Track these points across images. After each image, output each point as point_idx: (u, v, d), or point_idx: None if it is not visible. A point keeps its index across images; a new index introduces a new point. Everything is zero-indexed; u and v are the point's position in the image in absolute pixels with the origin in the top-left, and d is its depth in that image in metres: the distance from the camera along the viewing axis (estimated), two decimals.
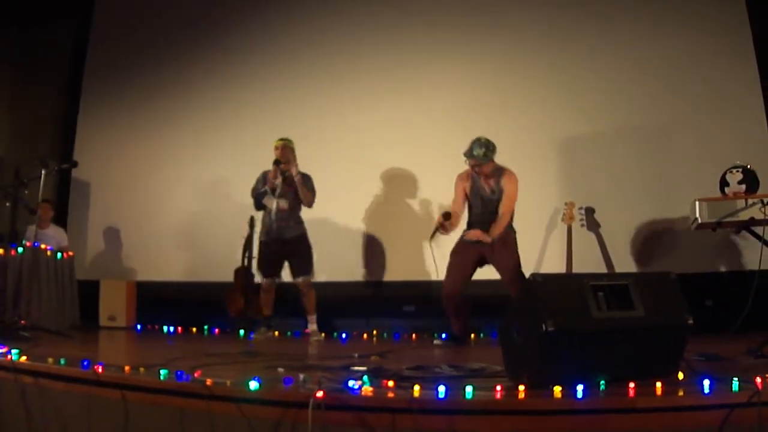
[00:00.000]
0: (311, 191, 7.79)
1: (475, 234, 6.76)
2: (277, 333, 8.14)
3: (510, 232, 6.89)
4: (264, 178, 7.92)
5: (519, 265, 6.82)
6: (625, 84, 7.94)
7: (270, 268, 7.92)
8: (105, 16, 11.41)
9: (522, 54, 8.46)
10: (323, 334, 7.88)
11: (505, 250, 6.77)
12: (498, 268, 6.82)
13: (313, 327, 7.88)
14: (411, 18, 9.10)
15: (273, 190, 7.80)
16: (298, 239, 7.85)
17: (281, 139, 7.89)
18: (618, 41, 8.02)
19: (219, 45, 10.19)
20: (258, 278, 8.17)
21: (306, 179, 7.82)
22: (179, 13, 10.72)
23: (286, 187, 7.78)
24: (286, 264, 7.92)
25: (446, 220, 6.72)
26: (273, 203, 7.79)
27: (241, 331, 8.09)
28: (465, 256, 6.85)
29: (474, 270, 6.91)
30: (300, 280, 7.80)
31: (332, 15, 9.58)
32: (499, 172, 6.88)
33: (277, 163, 7.75)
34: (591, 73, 8.10)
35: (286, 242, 7.80)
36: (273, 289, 7.94)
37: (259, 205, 7.99)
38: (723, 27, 7.60)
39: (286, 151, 7.81)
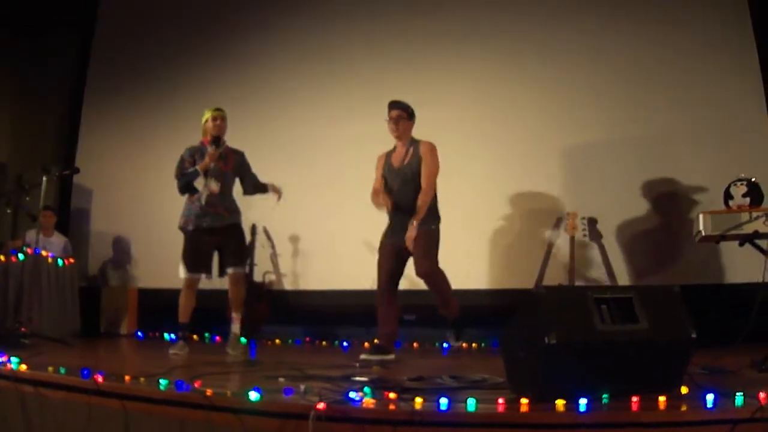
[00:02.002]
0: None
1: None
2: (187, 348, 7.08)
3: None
4: (191, 156, 7.14)
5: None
6: (628, 94, 7.91)
7: (197, 261, 7.07)
8: (107, 23, 11.44)
9: (523, 63, 8.44)
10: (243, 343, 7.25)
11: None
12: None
13: (235, 329, 7.14)
14: (415, 29, 9.10)
15: (206, 171, 6.96)
16: (232, 228, 7.07)
17: (217, 109, 7.14)
18: (622, 51, 7.99)
19: (222, 50, 10.20)
20: (183, 276, 7.24)
21: (243, 158, 7.25)
22: (181, 20, 10.74)
23: (221, 168, 7.02)
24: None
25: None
26: (203, 185, 6.96)
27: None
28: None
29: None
30: (231, 271, 7.06)
31: (338, 19, 9.59)
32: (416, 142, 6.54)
33: (216, 141, 6.99)
34: (594, 83, 8.08)
35: (216, 231, 6.99)
36: (196, 289, 7.15)
37: (185, 188, 7.16)
38: (729, 38, 7.58)
39: (223, 125, 7.08)
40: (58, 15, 11.35)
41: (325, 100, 9.39)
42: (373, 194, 6.57)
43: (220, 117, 7.08)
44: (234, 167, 7.14)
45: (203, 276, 7.16)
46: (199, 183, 7.00)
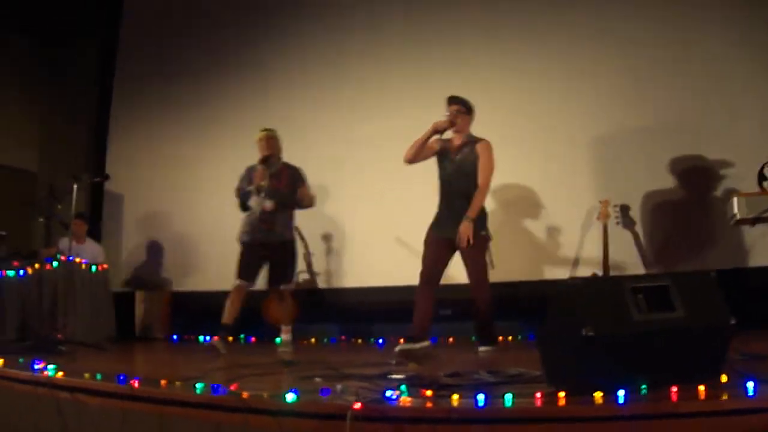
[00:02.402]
0: (308, 189, 7.41)
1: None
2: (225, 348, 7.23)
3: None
4: (249, 175, 7.39)
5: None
6: (659, 80, 7.84)
7: (247, 271, 7.33)
8: (131, 30, 11.50)
9: (553, 51, 8.39)
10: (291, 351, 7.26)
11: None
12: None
13: (285, 338, 7.41)
14: (430, 22, 9.09)
15: (258, 191, 7.25)
16: (283, 245, 7.38)
17: (265, 130, 7.44)
18: (654, 37, 7.92)
19: (248, 55, 10.22)
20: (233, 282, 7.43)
21: (297, 172, 7.44)
22: (206, 23, 10.77)
23: (274, 185, 7.27)
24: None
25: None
26: (258, 204, 7.25)
27: (278, 340, 8.07)
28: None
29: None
30: (281, 287, 7.41)
31: (361, 21, 9.58)
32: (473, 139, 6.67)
33: (264, 161, 7.25)
34: (624, 70, 8.01)
35: (268, 246, 7.29)
36: (243, 296, 7.35)
37: (242, 207, 7.46)
38: (755, 24, 7.49)
39: (272, 143, 7.37)
40: (83, 24, 11.43)
41: (352, 97, 9.40)
42: (414, 144, 6.63)
43: (266, 137, 7.38)
44: (287, 183, 7.36)
45: (251, 285, 7.40)
46: (253, 202, 7.30)
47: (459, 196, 6.49)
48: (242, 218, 7.50)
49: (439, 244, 6.50)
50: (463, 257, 6.43)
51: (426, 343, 6.31)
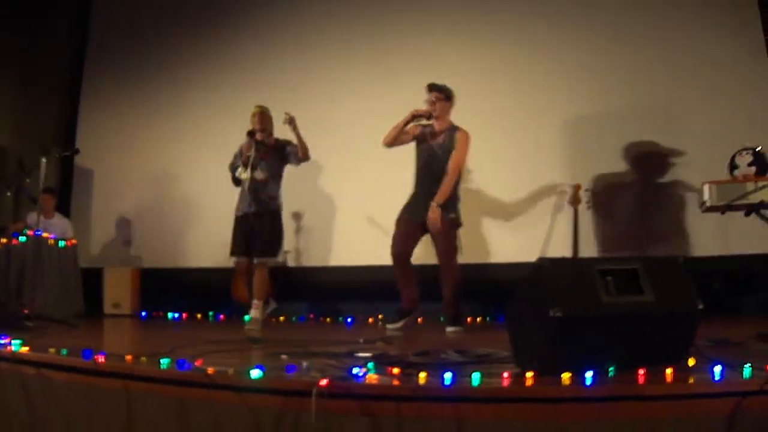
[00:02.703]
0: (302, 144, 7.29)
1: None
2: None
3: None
4: (240, 151, 7.54)
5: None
6: (632, 65, 7.87)
7: (243, 245, 7.36)
8: (105, 3, 11.38)
9: (529, 34, 8.40)
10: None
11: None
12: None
13: (254, 314, 7.16)
14: (415, 6, 9.06)
15: (245, 163, 7.33)
16: (270, 215, 7.35)
17: (258, 106, 7.53)
18: (627, 21, 7.94)
19: (220, 29, 10.14)
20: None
21: (286, 144, 7.46)
22: None
23: (261, 157, 7.34)
24: None
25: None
26: (247, 175, 7.31)
27: (246, 317, 8.04)
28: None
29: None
30: (256, 260, 7.29)
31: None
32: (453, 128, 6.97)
33: (251, 134, 7.35)
34: (599, 54, 8.04)
35: (255, 216, 7.30)
36: (244, 271, 7.41)
37: (235, 180, 7.55)
38: (734, 9, 7.51)
39: (264, 119, 7.46)
40: None
41: (326, 77, 9.35)
42: (393, 129, 6.95)
43: (257, 113, 7.47)
44: (274, 155, 7.42)
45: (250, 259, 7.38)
46: (240, 173, 7.40)
47: (434, 181, 6.81)
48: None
49: (410, 225, 6.87)
50: (433, 240, 6.81)
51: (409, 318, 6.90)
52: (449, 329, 6.61)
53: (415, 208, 6.85)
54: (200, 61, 10.14)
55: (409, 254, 6.91)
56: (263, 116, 7.47)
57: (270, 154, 7.40)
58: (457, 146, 6.80)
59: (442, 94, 6.92)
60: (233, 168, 7.54)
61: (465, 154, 6.86)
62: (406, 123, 6.86)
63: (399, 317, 6.86)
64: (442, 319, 6.97)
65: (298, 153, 7.30)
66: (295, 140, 7.22)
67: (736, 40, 7.46)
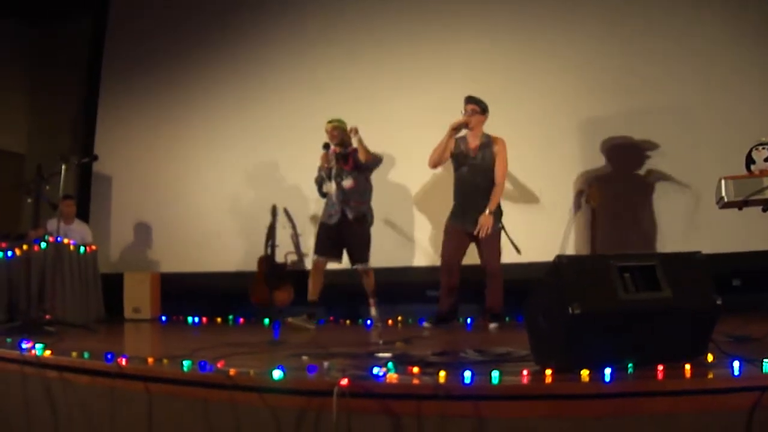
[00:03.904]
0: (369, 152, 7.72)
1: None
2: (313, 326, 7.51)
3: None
4: (321, 165, 7.90)
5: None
6: (649, 63, 7.83)
7: (324, 246, 7.79)
8: (122, 8, 11.45)
9: (544, 34, 8.38)
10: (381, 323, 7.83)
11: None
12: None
13: (373, 312, 7.87)
14: (430, 12, 9.07)
15: (329, 175, 7.77)
16: (357, 220, 7.71)
17: (329, 122, 7.83)
18: (642, 20, 7.92)
19: (237, 37, 10.19)
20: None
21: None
22: (197, 5, 10.72)
23: (342, 167, 7.74)
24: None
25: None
26: (332, 186, 7.73)
27: (266, 321, 8.05)
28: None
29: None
30: (358, 267, 7.76)
31: (358, 6, 9.56)
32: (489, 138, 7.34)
33: (325, 147, 7.76)
34: (614, 53, 8.01)
35: (346, 223, 7.71)
36: (322, 271, 7.75)
37: (321, 192, 7.93)
38: (749, 7, 7.48)
39: (334, 134, 7.76)
40: (72, 4, 11.38)
41: (345, 83, 9.38)
42: (438, 148, 7.34)
43: (329, 128, 7.79)
44: (354, 165, 7.74)
45: (331, 261, 7.83)
46: (326, 186, 7.83)
47: (478, 192, 7.21)
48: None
49: (458, 234, 7.28)
50: (480, 245, 7.22)
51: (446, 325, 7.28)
52: (492, 325, 7.02)
53: (462, 218, 7.26)
54: (217, 69, 10.18)
55: (460, 262, 7.28)
56: (333, 131, 7.77)
57: (350, 166, 7.73)
58: (500, 157, 7.21)
59: (478, 107, 7.25)
60: (318, 181, 7.92)
61: (506, 161, 7.26)
62: (450, 138, 7.22)
63: (437, 322, 7.29)
64: (460, 320, 7.15)
65: (365, 159, 7.64)
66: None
67: (752, 38, 7.43)
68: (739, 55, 7.47)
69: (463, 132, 7.31)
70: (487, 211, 7.06)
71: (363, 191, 7.81)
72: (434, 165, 7.42)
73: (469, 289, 7.31)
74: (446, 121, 7.21)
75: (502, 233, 7.24)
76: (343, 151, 7.78)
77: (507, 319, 7.27)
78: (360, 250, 7.74)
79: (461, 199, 7.34)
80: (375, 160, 7.79)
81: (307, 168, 8.03)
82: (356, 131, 7.57)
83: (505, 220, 7.33)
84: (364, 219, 7.78)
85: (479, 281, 7.18)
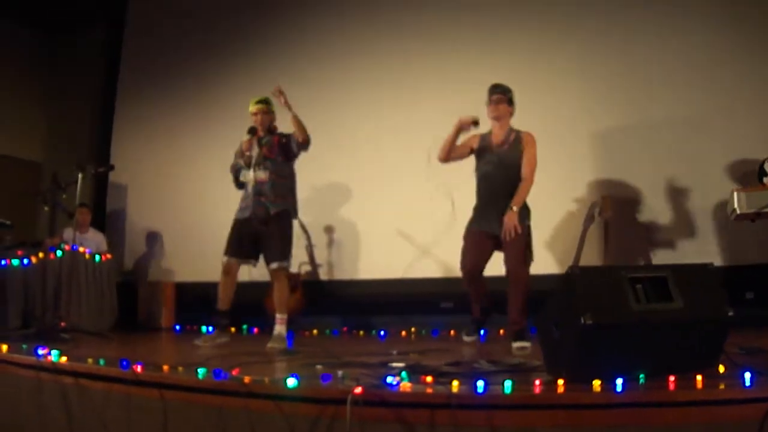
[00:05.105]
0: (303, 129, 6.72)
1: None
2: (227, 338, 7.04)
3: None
4: (241, 149, 7.02)
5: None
6: (660, 75, 7.82)
7: (237, 246, 6.81)
8: (138, 18, 11.53)
9: (554, 47, 8.39)
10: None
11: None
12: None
13: (278, 329, 6.74)
14: (439, 11, 9.10)
15: (248, 163, 6.84)
16: (278, 216, 6.76)
17: (256, 103, 6.98)
18: (653, 32, 7.91)
19: (256, 43, 10.23)
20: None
21: (290, 138, 6.87)
22: (213, 13, 10.78)
23: (265, 155, 6.82)
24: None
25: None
26: (250, 176, 6.80)
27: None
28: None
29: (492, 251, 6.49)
30: (271, 266, 6.77)
31: (373, 15, 9.59)
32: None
33: (252, 131, 6.89)
34: (625, 65, 8.00)
35: (264, 220, 6.75)
36: (234, 274, 6.89)
37: (237, 183, 7.05)
38: (759, 18, 7.49)
39: (262, 117, 6.92)
40: (88, 14, 11.46)
41: (358, 91, 9.40)
42: (444, 144, 6.54)
43: (258, 110, 6.94)
44: (279, 153, 6.89)
45: (243, 263, 6.94)
46: (244, 175, 6.92)
47: (502, 189, 6.37)
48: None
49: (481, 238, 6.41)
50: (505, 248, 6.26)
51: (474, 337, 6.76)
52: (516, 345, 5.90)
53: (485, 219, 6.40)
54: (233, 79, 10.21)
55: (482, 269, 6.43)
56: (263, 113, 6.96)
57: (275, 153, 6.88)
58: (528, 149, 6.40)
59: (505, 96, 6.53)
60: (235, 170, 7.07)
61: (536, 156, 6.43)
62: (455, 135, 6.45)
63: (475, 328, 6.74)
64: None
65: (298, 138, 6.77)
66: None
67: (765, 50, 7.44)
68: (752, 69, 7.47)
69: (487, 127, 6.60)
70: (514, 208, 6.15)
71: (291, 183, 6.97)
72: (442, 159, 6.54)
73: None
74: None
75: (529, 235, 6.36)
76: (268, 137, 6.92)
77: (532, 334, 5.95)
78: (278, 248, 6.75)
79: (486, 199, 6.46)
80: (309, 142, 6.81)
81: (321, 180, 8.03)
82: (281, 92, 6.70)
83: None
84: (288, 215, 6.89)
85: (501, 291, 6.43)
